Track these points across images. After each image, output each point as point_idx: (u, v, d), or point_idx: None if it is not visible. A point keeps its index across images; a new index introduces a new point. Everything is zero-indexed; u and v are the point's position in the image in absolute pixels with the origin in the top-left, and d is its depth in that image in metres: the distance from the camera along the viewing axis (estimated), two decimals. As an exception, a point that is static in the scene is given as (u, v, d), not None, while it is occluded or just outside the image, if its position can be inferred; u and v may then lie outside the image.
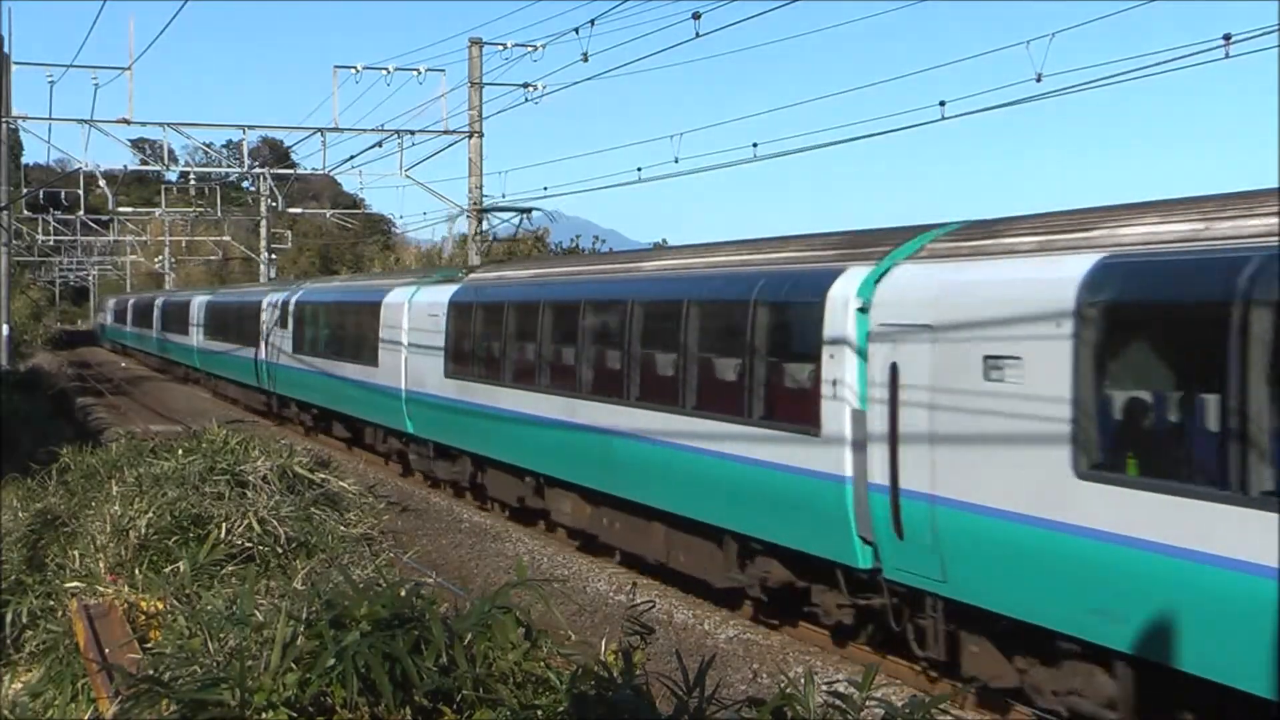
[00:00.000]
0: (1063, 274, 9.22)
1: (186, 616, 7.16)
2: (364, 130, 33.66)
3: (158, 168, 47.92)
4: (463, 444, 20.81)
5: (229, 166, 48.07)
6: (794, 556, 12.51)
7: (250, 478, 11.70)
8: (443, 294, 21.66)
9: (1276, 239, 7.91)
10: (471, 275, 22.23)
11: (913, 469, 10.41)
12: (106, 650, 7.37)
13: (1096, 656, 9.17)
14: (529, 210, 24.15)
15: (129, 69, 30.33)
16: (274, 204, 47.99)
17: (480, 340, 19.79)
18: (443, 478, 22.69)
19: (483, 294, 20.33)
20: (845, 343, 11.29)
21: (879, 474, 10.82)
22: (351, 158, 36.18)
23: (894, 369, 10.67)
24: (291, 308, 31.82)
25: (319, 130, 33.80)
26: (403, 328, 22.92)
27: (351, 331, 26.75)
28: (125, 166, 39.74)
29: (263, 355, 34.25)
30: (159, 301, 57.71)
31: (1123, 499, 8.65)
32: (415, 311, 22.58)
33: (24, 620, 9.98)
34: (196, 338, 44.78)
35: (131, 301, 69.59)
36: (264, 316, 34.53)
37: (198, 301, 46.35)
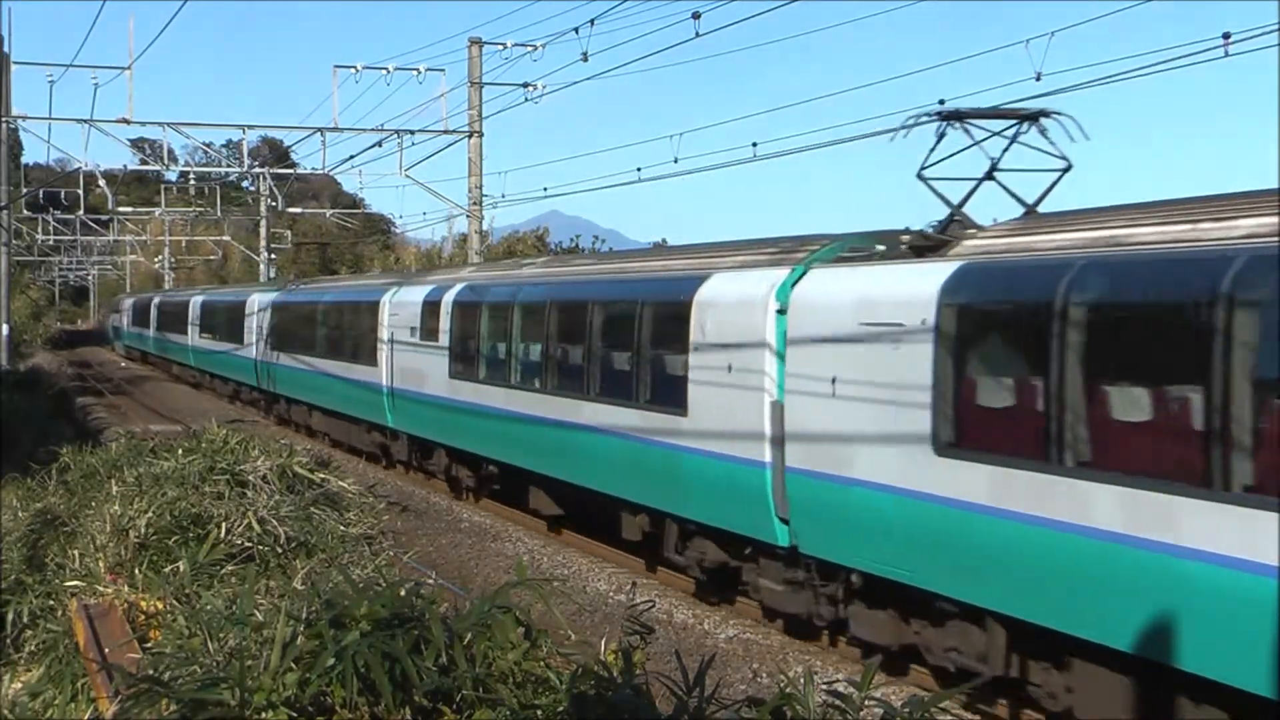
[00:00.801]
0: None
1: (186, 616, 7.16)
2: (364, 130, 33.80)
3: (158, 168, 47.99)
4: (986, 598, 10.26)
5: (229, 166, 48.12)
6: None
7: (250, 477, 11.67)
8: (909, 283, 11.16)
9: None
10: (980, 241, 11.10)
11: None
12: (106, 650, 7.36)
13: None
14: (1037, 115, 12.21)
15: (129, 69, 30.43)
16: (274, 204, 48.00)
17: (1069, 385, 9.26)
18: (876, 641, 11.84)
19: (1066, 282, 9.42)
20: None
21: None
22: (351, 157, 36.38)
23: None
24: (447, 311, 21.54)
25: (319, 130, 33.89)
26: (764, 342, 12.75)
27: (598, 351, 16.25)
28: (125, 166, 39.92)
29: (384, 380, 24.15)
30: (197, 301, 46.38)
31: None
32: (807, 315, 12.24)
33: (24, 620, 9.98)
34: (259, 351, 34.77)
35: (157, 301, 57.80)
36: (384, 323, 24.40)
37: (260, 301, 35.52)
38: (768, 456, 12.57)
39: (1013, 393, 10.18)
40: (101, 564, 9.67)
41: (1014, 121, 12.23)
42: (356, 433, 26.89)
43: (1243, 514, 8.05)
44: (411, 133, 33.16)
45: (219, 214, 63.04)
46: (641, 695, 5.14)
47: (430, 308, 22.25)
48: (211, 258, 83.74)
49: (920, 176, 12.21)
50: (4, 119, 33.73)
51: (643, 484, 15.11)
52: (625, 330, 15.59)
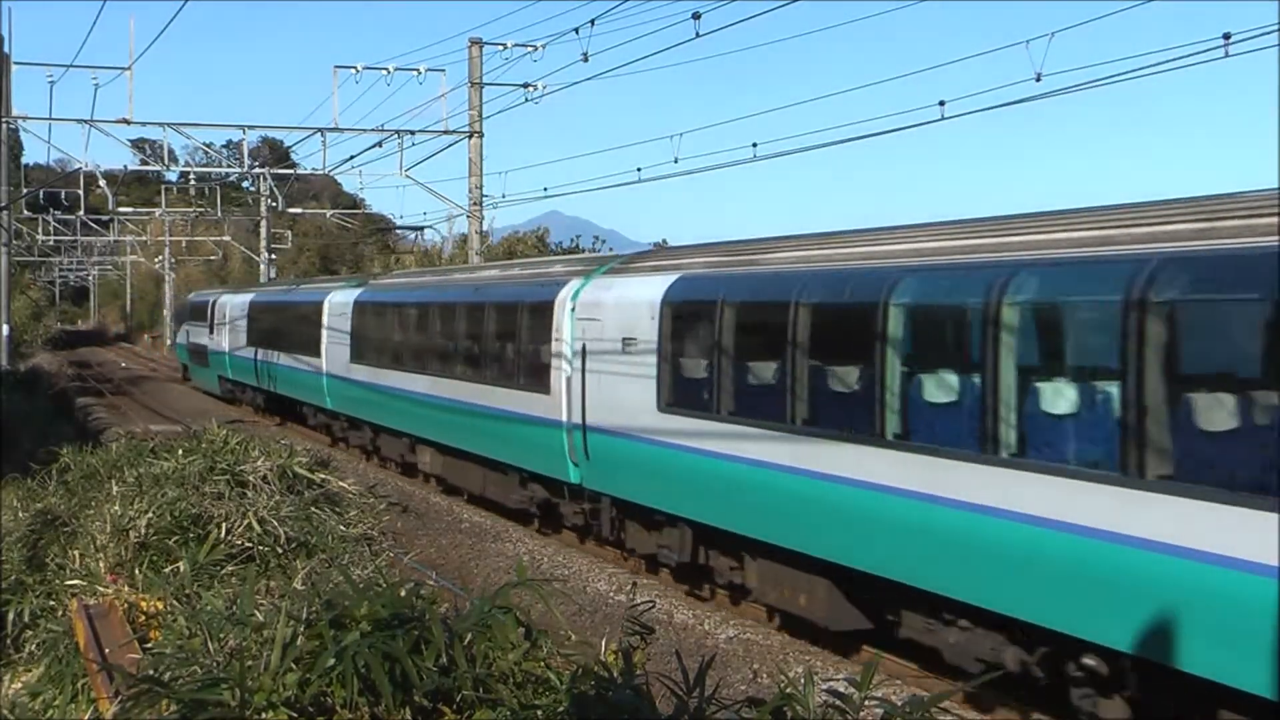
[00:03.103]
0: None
1: (186, 616, 7.15)
2: (364, 130, 33.77)
3: (158, 168, 48.00)
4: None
5: (229, 166, 48.09)
6: None
7: (250, 478, 11.67)
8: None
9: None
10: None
11: None
12: (106, 650, 7.36)
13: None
14: None
15: (129, 69, 30.40)
16: (274, 204, 47.99)
17: None
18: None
19: None
20: None
21: None
22: (351, 158, 36.32)
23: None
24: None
25: (319, 130, 33.88)
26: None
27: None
28: (125, 166, 39.95)
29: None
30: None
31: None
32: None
33: (24, 620, 9.98)
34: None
35: (352, 299, 26.78)
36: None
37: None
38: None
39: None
40: (102, 564, 9.67)
41: None
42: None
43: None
44: (412, 133, 33.18)
45: (219, 214, 62.98)
46: (642, 695, 5.14)
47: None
48: (212, 258, 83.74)
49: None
50: (4, 119, 33.72)
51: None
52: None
